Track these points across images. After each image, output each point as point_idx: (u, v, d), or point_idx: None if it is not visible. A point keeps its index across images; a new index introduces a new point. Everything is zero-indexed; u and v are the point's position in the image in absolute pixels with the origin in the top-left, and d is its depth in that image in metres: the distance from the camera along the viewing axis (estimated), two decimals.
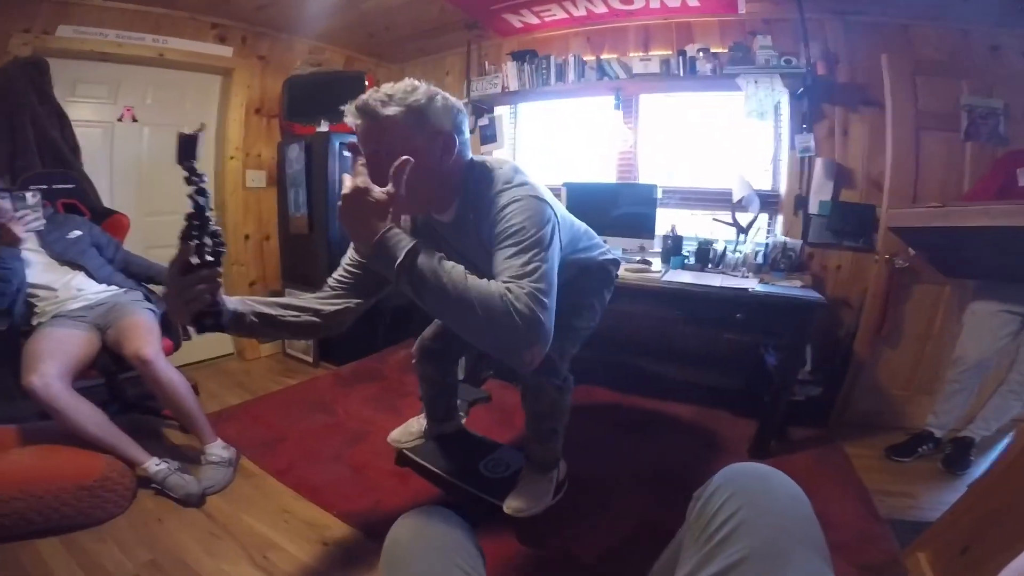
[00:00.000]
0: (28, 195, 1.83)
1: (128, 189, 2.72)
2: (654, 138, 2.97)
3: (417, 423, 1.92)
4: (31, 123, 2.16)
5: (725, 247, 2.46)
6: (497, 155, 3.23)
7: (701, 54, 2.53)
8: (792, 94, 2.42)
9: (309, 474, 1.86)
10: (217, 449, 1.82)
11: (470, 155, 1.15)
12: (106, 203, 2.40)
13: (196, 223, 0.89)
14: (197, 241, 0.90)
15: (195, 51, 2.77)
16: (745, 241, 2.45)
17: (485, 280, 0.92)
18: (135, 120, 2.72)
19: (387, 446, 1.93)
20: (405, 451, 1.86)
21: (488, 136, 3.24)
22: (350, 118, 1.02)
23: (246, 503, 1.69)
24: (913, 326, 2.28)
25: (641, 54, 2.75)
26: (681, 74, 2.59)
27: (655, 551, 0.86)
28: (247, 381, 2.81)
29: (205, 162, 3.00)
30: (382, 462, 1.93)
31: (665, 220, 2.65)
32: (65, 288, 1.86)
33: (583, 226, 1.50)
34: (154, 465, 1.66)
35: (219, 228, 0.93)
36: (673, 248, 2.50)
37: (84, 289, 1.89)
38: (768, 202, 2.60)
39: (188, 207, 0.88)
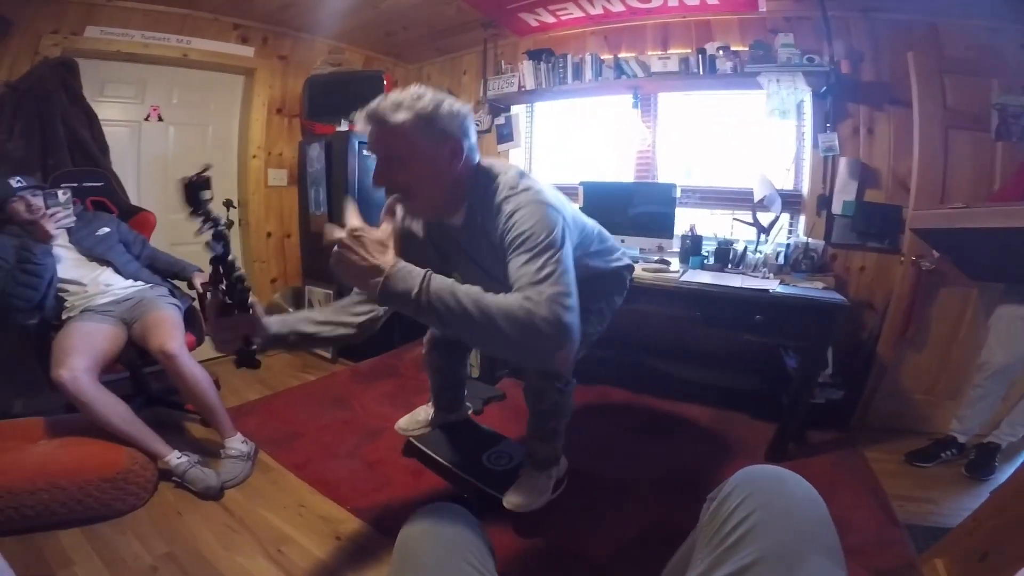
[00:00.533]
0: (59, 192, 1.87)
1: (154, 187, 2.79)
2: (673, 137, 2.94)
3: (424, 412, 1.94)
4: (62, 122, 2.23)
5: (745, 247, 2.42)
6: (512, 155, 3.26)
7: (721, 52, 2.50)
8: (815, 92, 2.37)
9: (325, 469, 1.88)
10: (236, 443, 1.85)
11: (478, 158, 1.16)
12: (133, 201, 2.46)
13: (220, 269, 0.94)
14: (224, 285, 0.95)
15: (218, 51, 2.84)
16: (766, 241, 2.41)
17: (502, 295, 0.92)
18: (161, 119, 2.80)
19: (401, 442, 1.96)
20: (411, 439, 1.89)
21: (504, 135, 3.25)
22: (360, 124, 1.05)
23: (263, 497, 1.72)
24: (939, 329, 2.21)
25: (660, 53, 2.72)
26: (700, 72, 2.56)
27: (668, 552, 0.85)
28: (267, 376, 2.86)
29: (228, 161, 3.09)
30: (397, 458, 1.95)
31: (684, 220, 2.62)
32: (94, 283, 1.91)
33: (596, 228, 1.48)
34: (175, 458, 1.70)
35: (243, 272, 0.97)
36: (692, 248, 2.47)
37: (112, 284, 1.94)
38: (790, 202, 2.55)
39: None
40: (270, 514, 1.63)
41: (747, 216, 2.43)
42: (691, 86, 2.72)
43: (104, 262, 1.97)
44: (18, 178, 1.82)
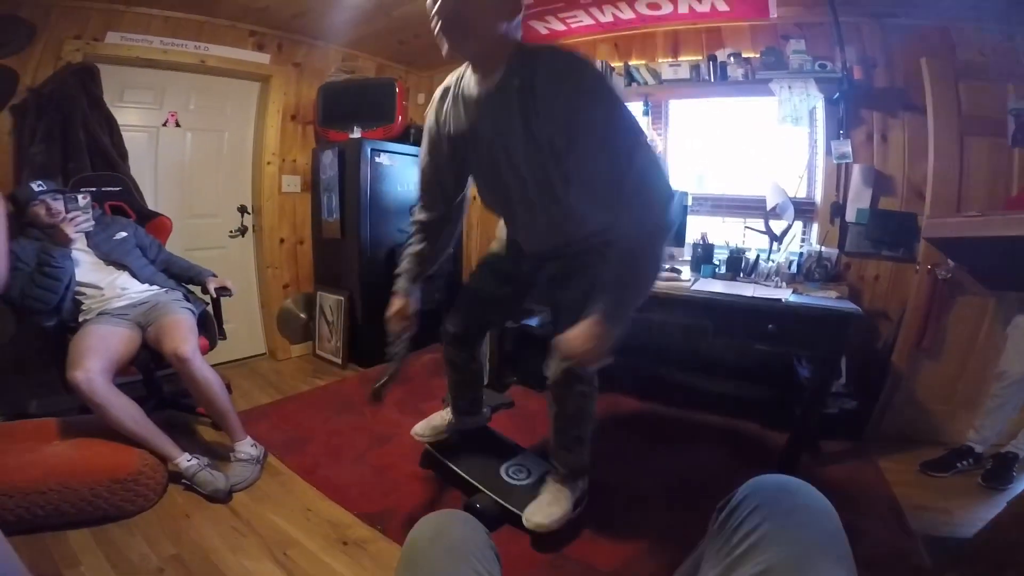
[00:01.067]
0: (79, 197, 1.90)
1: (171, 192, 2.83)
2: (684, 144, 2.93)
3: (440, 418, 1.90)
4: (83, 128, 2.27)
5: (758, 256, 2.39)
6: None
7: (732, 59, 2.49)
8: (827, 99, 2.35)
9: (333, 474, 1.89)
10: (246, 447, 1.87)
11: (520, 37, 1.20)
12: (150, 205, 2.49)
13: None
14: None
15: (235, 58, 2.88)
16: (779, 250, 2.39)
17: (630, 245, 1.10)
18: (178, 125, 2.84)
19: (411, 448, 1.95)
20: (428, 448, 1.86)
21: None
22: None
23: (271, 500, 1.73)
24: (955, 338, 2.17)
25: (670, 60, 2.73)
26: (712, 80, 2.56)
27: (675, 562, 0.84)
28: (278, 381, 2.88)
29: (243, 166, 3.12)
30: (405, 464, 1.95)
31: (695, 228, 2.61)
32: (110, 287, 1.94)
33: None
34: (185, 461, 1.72)
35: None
36: (703, 256, 2.45)
37: (128, 288, 1.97)
38: (803, 210, 2.53)
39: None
40: (277, 518, 1.63)
41: (759, 224, 2.40)
42: (702, 93, 2.72)
43: (121, 266, 2.00)
44: (39, 182, 1.87)
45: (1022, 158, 2.04)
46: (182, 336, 1.81)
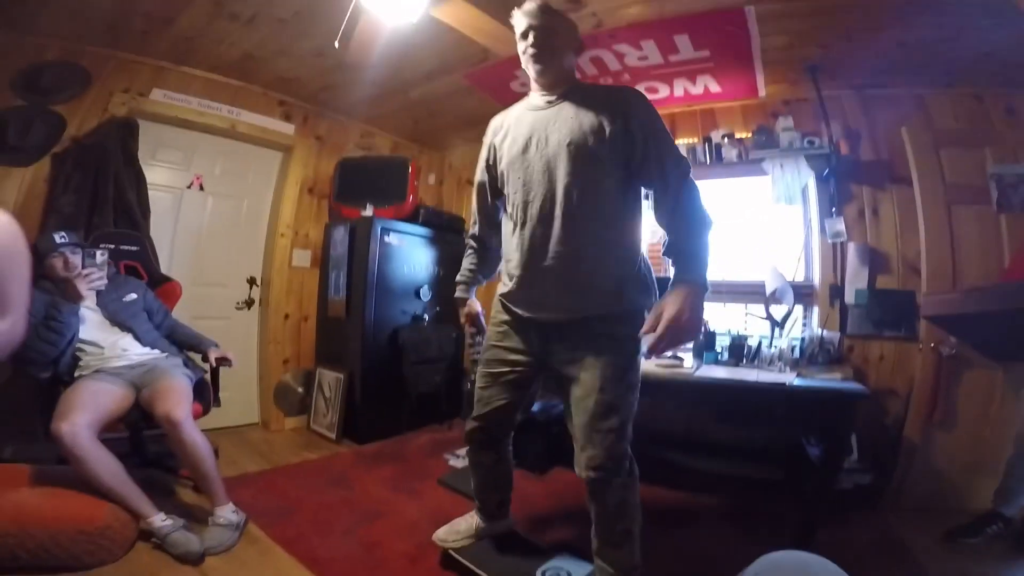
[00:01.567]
0: (98, 253, 1.92)
1: (185, 256, 2.89)
2: None
3: (465, 522, 1.74)
4: (113, 182, 2.33)
5: (760, 342, 2.35)
6: None
7: (726, 140, 2.62)
8: (818, 176, 2.43)
9: (316, 546, 1.78)
10: (227, 512, 1.78)
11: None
12: (164, 268, 2.51)
13: None
14: None
15: (263, 125, 3.04)
16: (781, 335, 2.36)
17: (686, 222, 1.41)
18: (202, 188, 2.94)
19: (401, 526, 1.84)
20: (451, 551, 1.67)
21: None
22: (528, 6, 1.37)
23: (246, 568, 1.62)
24: (968, 409, 2.10)
25: None
26: (708, 162, 2.67)
27: None
28: (268, 451, 2.79)
29: (257, 236, 3.18)
30: (394, 542, 1.82)
31: None
32: (112, 347, 1.94)
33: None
34: (159, 520, 1.64)
35: None
36: (706, 344, 2.38)
37: (128, 350, 1.97)
38: (802, 293, 2.53)
39: None
40: None
41: (760, 310, 2.40)
42: (699, 175, 2.74)
43: (126, 328, 2.00)
44: (62, 233, 1.91)
45: (1009, 224, 2.07)
46: (176, 400, 1.79)
